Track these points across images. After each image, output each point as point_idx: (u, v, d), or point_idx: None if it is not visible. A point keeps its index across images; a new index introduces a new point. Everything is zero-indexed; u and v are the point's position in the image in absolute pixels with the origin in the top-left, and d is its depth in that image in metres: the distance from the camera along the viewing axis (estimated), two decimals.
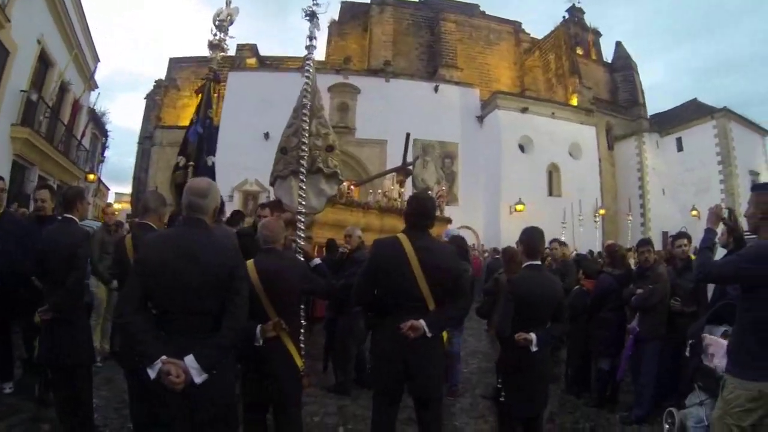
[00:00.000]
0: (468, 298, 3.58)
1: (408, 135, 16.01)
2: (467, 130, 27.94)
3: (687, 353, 4.45)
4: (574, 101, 31.19)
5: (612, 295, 5.56)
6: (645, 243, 5.76)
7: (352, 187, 10.82)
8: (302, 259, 3.82)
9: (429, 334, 2.99)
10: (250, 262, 3.12)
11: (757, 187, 3.04)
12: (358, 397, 5.35)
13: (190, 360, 2.20)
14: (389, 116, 25.71)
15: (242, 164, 22.41)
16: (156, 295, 2.34)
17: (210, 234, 2.49)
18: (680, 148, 29.62)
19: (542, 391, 3.48)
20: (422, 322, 2.98)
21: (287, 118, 5.44)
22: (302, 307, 3.69)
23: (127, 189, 34.62)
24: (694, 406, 4.21)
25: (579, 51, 35.42)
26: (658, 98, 73.42)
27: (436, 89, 28.35)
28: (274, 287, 3.15)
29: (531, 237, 3.59)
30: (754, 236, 2.97)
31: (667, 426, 4.57)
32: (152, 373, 2.15)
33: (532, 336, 3.25)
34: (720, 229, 3.36)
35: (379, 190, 11.14)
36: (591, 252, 12.88)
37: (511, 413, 3.42)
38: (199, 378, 2.20)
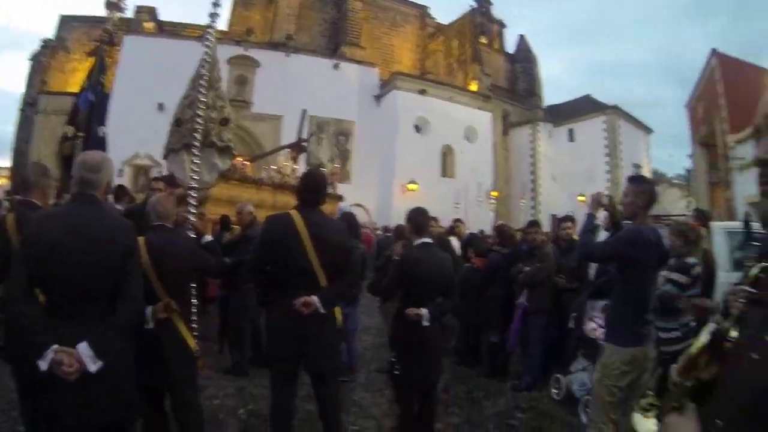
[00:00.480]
0: (357, 274, 3.60)
1: (304, 111, 15.63)
2: (364, 109, 27.92)
3: (571, 325, 4.80)
4: (474, 87, 32.22)
5: (501, 272, 5.82)
6: (533, 224, 6.07)
7: (245, 162, 10.47)
8: (194, 236, 3.66)
9: (322, 310, 3.01)
10: (140, 239, 2.91)
11: (635, 179, 3.36)
12: (256, 377, 5.17)
13: (83, 347, 2.05)
14: (287, 92, 24.94)
15: (134, 136, 20.71)
16: (46, 277, 2.15)
17: (103, 210, 2.37)
18: (572, 139, 32.04)
19: (435, 364, 3.55)
20: (315, 298, 2.98)
21: (184, 88, 5.15)
22: (194, 286, 3.52)
23: (6, 162, 30.83)
24: (578, 372, 4.60)
25: (483, 40, 36.48)
26: (554, 91, 78.30)
27: (336, 66, 28.05)
28: (164, 266, 3.00)
29: (416, 215, 3.66)
30: (629, 222, 3.23)
31: (555, 391, 4.91)
32: (43, 365, 1.97)
33: (424, 311, 3.29)
34: (602, 214, 3.57)
35: (273, 167, 10.90)
36: (482, 231, 13.35)
37: (406, 385, 3.46)
38: (93, 366, 2.06)
